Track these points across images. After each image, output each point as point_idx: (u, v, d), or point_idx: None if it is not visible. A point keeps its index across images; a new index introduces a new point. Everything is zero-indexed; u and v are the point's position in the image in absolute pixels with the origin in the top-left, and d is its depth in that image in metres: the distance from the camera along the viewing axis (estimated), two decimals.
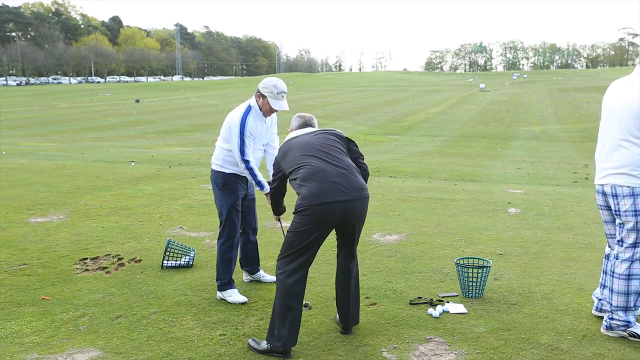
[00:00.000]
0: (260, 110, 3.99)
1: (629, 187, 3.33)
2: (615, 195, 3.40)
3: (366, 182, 3.55)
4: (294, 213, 3.28)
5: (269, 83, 3.92)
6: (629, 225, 3.36)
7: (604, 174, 3.49)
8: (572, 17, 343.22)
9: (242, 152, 3.92)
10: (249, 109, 3.97)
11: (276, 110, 4.00)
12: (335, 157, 3.34)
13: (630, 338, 3.38)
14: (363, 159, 3.60)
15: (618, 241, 3.49)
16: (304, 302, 3.37)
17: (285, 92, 3.94)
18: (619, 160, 3.37)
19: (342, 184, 3.21)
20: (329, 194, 3.16)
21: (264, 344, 3.23)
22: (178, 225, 6.30)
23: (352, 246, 3.51)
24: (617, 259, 3.44)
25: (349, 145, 3.55)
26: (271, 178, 3.90)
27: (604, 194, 3.50)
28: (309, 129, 3.61)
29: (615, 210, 3.44)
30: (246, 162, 3.94)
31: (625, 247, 3.41)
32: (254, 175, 3.99)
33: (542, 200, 8.10)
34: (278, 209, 3.88)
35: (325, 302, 4.01)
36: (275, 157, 3.60)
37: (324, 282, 4.42)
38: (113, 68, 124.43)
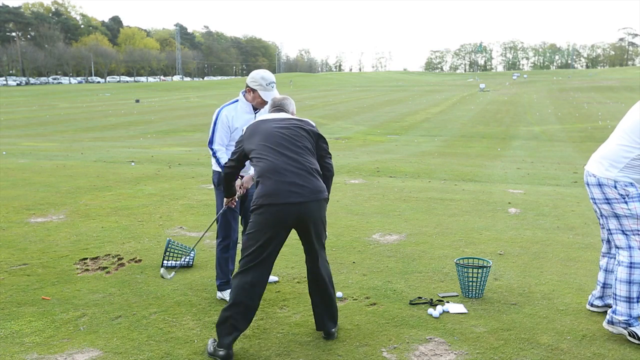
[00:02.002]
0: (252, 103, 3.98)
1: (595, 176, 3.46)
2: (588, 184, 3.55)
3: (330, 183, 3.44)
4: (250, 212, 3.25)
5: (257, 75, 3.89)
6: (607, 212, 3.47)
7: (589, 160, 3.64)
8: (572, 17, 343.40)
9: (211, 140, 3.99)
10: (233, 101, 4.01)
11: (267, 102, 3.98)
12: (297, 154, 3.21)
13: (629, 338, 3.38)
14: (330, 158, 3.46)
15: (607, 230, 3.56)
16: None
17: (274, 82, 3.92)
18: (604, 149, 3.51)
19: (298, 185, 3.12)
20: (282, 194, 3.10)
21: (210, 345, 3.19)
22: (178, 225, 6.30)
23: (315, 252, 3.34)
24: (617, 247, 3.50)
25: (318, 142, 3.39)
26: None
27: (585, 183, 3.62)
28: (282, 115, 3.45)
29: (592, 199, 3.55)
30: (212, 150, 4.00)
31: (615, 235, 3.48)
32: (217, 159, 3.99)
33: (542, 200, 8.10)
34: (229, 190, 3.73)
35: None
36: (240, 135, 3.46)
37: None
38: (113, 68, 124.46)
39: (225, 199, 3.86)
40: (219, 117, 3.96)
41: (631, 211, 3.34)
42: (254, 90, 3.91)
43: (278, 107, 3.54)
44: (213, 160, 4.12)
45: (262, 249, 3.15)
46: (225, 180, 3.64)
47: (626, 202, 3.35)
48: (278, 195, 3.10)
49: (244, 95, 4.00)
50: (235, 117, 3.95)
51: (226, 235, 4.09)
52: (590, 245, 5.54)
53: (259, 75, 3.89)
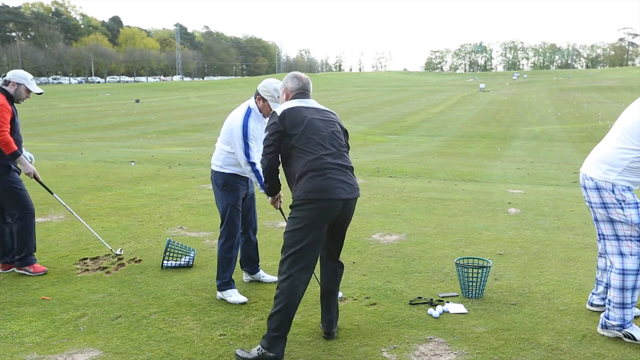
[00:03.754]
0: (260, 112, 3.99)
1: (592, 180, 3.41)
2: (584, 187, 3.49)
3: None
4: (292, 207, 3.21)
5: (270, 87, 3.87)
6: (602, 217, 3.44)
7: (585, 163, 3.58)
8: (572, 17, 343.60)
9: (247, 154, 3.88)
10: (249, 111, 3.94)
11: None
12: (341, 153, 3.31)
13: (626, 339, 3.38)
14: (348, 151, 3.47)
15: (599, 235, 3.54)
16: None
17: None
18: (600, 151, 3.46)
19: (345, 183, 3.21)
20: (335, 190, 3.14)
21: (254, 351, 3.12)
22: (178, 225, 6.30)
23: (339, 248, 3.46)
24: (608, 253, 3.48)
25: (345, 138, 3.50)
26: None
27: (582, 186, 3.57)
28: (313, 102, 3.39)
29: (588, 203, 3.50)
30: (252, 164, 3.89)
31: (607, 240, 3.45)
32: (259, 178, 3.92)
33: (542, 200, 8.10)
34: (275, 187, 3.47)
35: None
36: (276, 118, 3.23)
37: None
38: (113, 68, 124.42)
39: (270, 198, 3.67)
40: (248, 131, 3.88)
41: (626, 217, 3.31)
42: (264, 100, 3.91)
43: (306, 89, 3.42)
44: (215, 161, 4.10)
45: (311, 247, 3.14)
46: (270, 177, 3.37)
47: (622, 208, 3.31)
48: (329, 191, 3.12)
49: (255, 102, 3.98)
50: (255, 129, 3.95)
51: (231, 235, 4.07)
52: (590, 245, 5.54)
53: (273, 87, 3.87)
